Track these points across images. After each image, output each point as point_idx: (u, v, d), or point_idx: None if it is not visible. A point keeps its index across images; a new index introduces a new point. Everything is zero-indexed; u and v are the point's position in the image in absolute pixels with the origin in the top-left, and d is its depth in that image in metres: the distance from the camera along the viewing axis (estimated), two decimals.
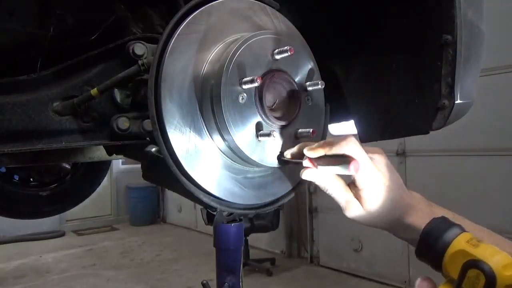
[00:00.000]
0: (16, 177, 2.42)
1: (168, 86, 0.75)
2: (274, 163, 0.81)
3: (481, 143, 4.12)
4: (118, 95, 1.00)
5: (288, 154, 0.80)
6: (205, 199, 0.79)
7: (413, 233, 0.76)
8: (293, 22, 0.93)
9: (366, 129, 1.20)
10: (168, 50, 0.75)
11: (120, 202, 9.63)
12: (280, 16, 0.91)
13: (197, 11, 0.79)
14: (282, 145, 0.81)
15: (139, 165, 1.06)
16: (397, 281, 4.90)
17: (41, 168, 2.46)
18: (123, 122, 0.96)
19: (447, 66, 0.97)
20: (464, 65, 0.97)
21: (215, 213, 0.97)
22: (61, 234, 8.35)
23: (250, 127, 0.77)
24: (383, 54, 1.13)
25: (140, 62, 0.91)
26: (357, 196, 0.76)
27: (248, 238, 5.66)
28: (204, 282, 1.18)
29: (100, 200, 8.86)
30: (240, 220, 1.05)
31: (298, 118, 0.83)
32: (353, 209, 0.77)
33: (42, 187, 2.50)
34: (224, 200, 0.81)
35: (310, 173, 0.76)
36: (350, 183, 0.77)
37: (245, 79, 0.74)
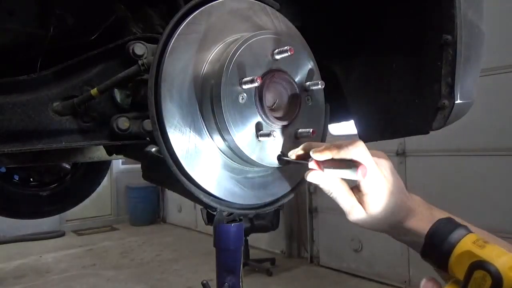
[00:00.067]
0: (16, 177, 2.42)
1: (168, 86, 0.75)
2: (274, 163, 0.81)
3: (481, 143, 4.12)
4: (118, 95, 1.00)
5: (292, 154, 0.79)
6: (205, 199, 0.78)
7: (413, 236, 0.76)
8: (293, 22, 0.93)
9: (366, 129, 1.20)
10: (168, 50, 0.75)
11: (120, 202, 9.62)
12: (280, 16, 0.91)
13: (197, 11, 0.79)
14: (282, 145, 0.81)
15: (139, 165, 1.06)
16: (397, 281, 4.90)
17: (41, 168, 2.46)
18: (123, 122, 0.96)
19: (447, 66, 0.97)
20: (464, 65, 0.97)
21: (215, 213, 0.98)
22: (61, 234, 8.34)
23: (250, 127, 0.77)
24: (383, 54, 1.13)
25: (140, 62, 0.91)
26: (361, 201, 0.76)
27: (248, 238, 5.66)
28: (204, 282, 1.18)
29: (100, 200, 8.86)
30: (240, 220, 1.05)
31: (298, 118, 0.83)
32: (356, 213, 0.76)
33: (42, 187, 2.50)
34: (224, 200, 0.81)
35: (316, 176, 0.74)
36: (354, 187, 0.77)
37: (245, 79, 0.74)
